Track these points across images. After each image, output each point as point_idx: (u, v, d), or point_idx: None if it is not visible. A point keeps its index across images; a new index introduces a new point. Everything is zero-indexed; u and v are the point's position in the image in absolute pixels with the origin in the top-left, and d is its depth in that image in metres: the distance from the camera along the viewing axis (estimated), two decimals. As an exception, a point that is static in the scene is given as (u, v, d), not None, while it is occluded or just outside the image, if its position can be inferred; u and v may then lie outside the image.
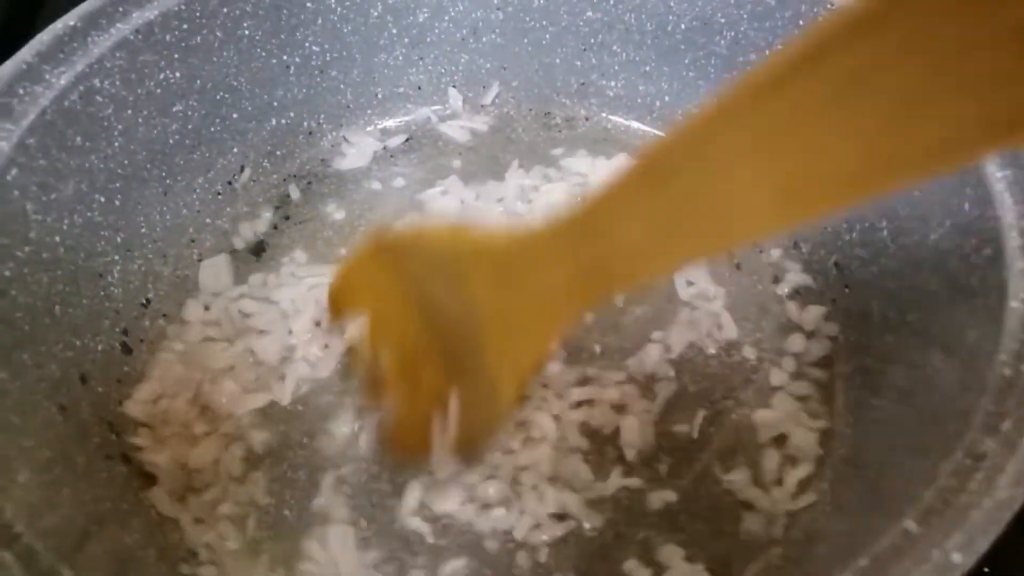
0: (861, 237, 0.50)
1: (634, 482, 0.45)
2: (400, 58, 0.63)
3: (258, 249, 0.57)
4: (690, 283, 0.53)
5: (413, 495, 0.44)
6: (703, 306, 0.52)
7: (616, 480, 0.45)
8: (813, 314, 0.51)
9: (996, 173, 0.39)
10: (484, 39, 0.63)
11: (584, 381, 0.48)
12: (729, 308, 0.52)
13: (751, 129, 0.24)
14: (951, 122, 0.20)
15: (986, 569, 0.41)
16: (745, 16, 0.55)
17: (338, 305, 0.46)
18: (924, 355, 0.40)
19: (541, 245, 0.33)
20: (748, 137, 0.24)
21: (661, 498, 0.44)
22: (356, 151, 0.63)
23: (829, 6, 0.50)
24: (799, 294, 0.52)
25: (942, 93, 0.20)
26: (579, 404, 0.47)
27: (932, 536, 0.28)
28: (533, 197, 0.59)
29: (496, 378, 0.36)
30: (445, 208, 0.58)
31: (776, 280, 0.53)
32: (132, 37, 0.49)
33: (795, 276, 0.53)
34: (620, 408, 0.47)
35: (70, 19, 0.48)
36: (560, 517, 0.44)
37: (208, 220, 0.57)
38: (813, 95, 0.22)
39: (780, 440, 0.46)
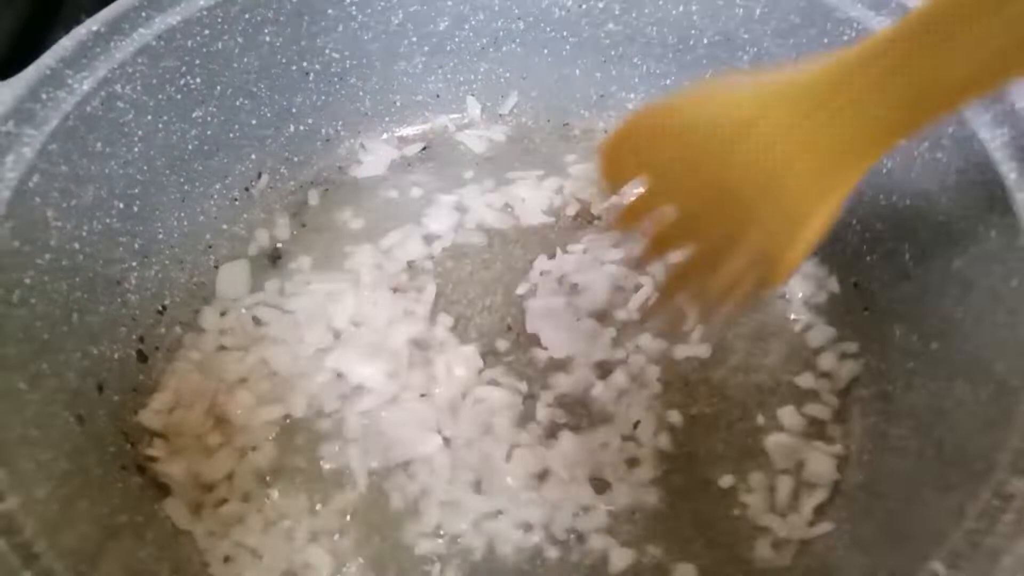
0: (882, 259, 0.50)
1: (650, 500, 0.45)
2: (419, 66, 0.63)
3: (274, 256, 0.57)
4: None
5: (429, 516, 0.44)
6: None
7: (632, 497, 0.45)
8: (832, 336, 0.51)
9: (1025, 203, 0.39)
10: (504, 49, 0.63)
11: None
12: (746, 329, 0.51)
13: None
14: None
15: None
16: (768, 32, 0.55)
17: (611, 168, 0.42)
18: (947, 385, 0.39)
19: (852, 75, 0.31)
20: None
21: (676, 518, 0.44)
22: (373, 158, 0.63)
23: (856, 25, 0.49)
24: (819, 316, 0.52)
25: None
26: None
27: (960, 579, 0.28)
28: (548, 207, 0.59)
29: (794, 220, 0.35)
30: (460, 216, 0.58)
31: (795, 301, 0.53)
32: (154, 43, 0.49)
33: (815, 297, 0.53)
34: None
35: (93, 24, 0.47)
36: (580, 537, 0.44)
37: (225, 226, 0.57)
38: None
39: (797, 466, 0.45)
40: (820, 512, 0.44)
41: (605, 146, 0.42)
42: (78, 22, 0.48)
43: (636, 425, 0.47)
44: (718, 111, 0.36)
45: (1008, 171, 0.40)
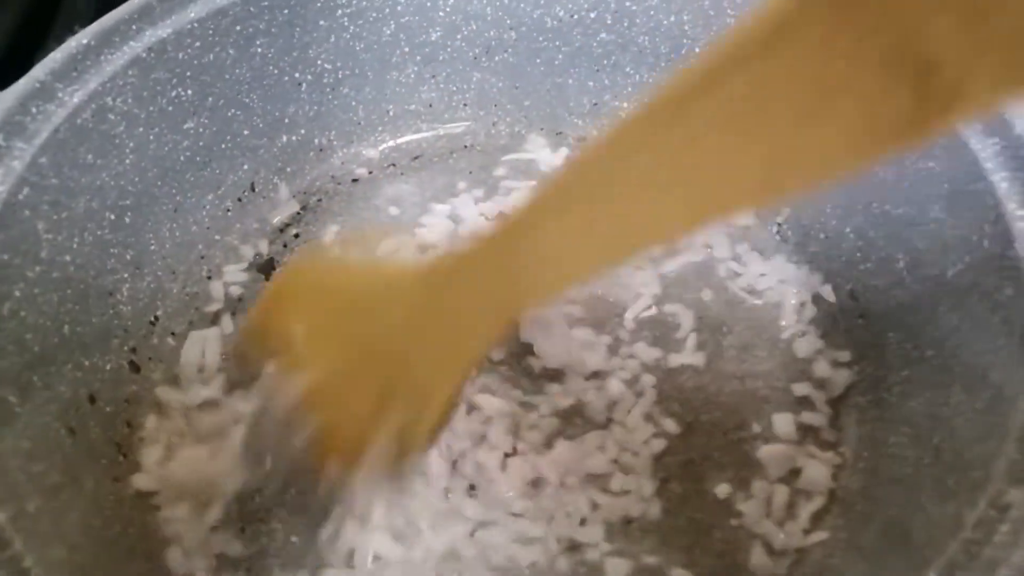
0: (877, 267, 0.50)
1: (646, 509, 0.44)
2: (412, 76, 0.63)
3: (267, 267, 0.57)
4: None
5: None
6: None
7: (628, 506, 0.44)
8: (826, 344, 0.51)
9: (1017, 211, 0.39)
10: (496, 58, 0.63)
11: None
12: (740, 336, 0.51)
13: (660, 144, 0.26)
14: (838, 134, 0.23)
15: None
16: (761, 42, 0.55)
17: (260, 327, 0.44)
18: (944, 393, 0.39)
19: (457, 268, 0.35)
20: (656, 152, 0.26)
21: (672, 527, 0.44)
22: (367, 168, 0.63)
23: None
24: (813, 324, 0.52)
25: (826, 111, 0.23)
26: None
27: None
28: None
29: (425, 396, 0.37)
30: (454, 225, 0.58)
31: (789, 309, 0.53)
32: (145, 55, 0.49)
33: (809, 305, 0.53)
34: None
35: (83, 37, 0.47)
36: (575, 546, 0.43)
37: (217, 237, 0.57)
38: (713, 113, 0.25)
39: (793, 474, 0.45)
40: (817, 520, 0.44)
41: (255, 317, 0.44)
42: (72, 32, 0.48)
43: (632, 434, 0.47)
44: (362, 285, 0.39)
45: (999, 180, 0.40)
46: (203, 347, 0.52)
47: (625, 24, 0.60)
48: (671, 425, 0.48)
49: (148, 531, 0.43)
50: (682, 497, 0.45)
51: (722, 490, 0.45)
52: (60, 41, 0.47)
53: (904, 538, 0.34)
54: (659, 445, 0.47)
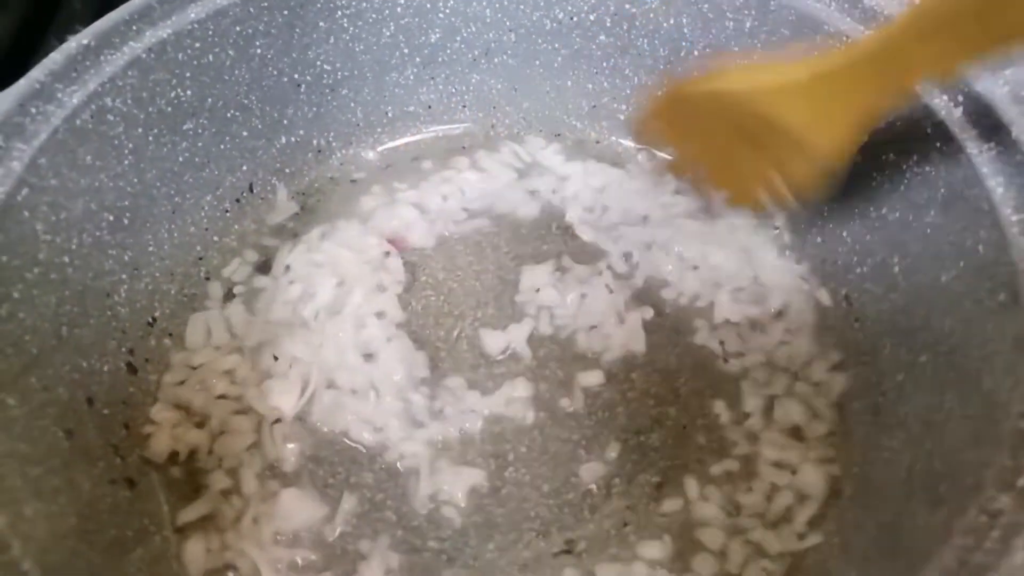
0: (872, 272, 0.50)
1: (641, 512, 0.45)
2: (411, 78, 0.63)
3: (265, 267, 0.57)
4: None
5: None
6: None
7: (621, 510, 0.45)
8: (822, 348, 0.51)
9: (1012, 217, 0.39)
10: (496, 60, 0.63)
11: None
12: (737, 342, 0.52)
13: None
14: None
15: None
16: (759, 45, 0.55)
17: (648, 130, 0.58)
18: (937, 398, 0.40)
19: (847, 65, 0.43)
20: None
21: (667, 532, 0.44)
22: (365, 169, 0.63)
23: (845, 39, 0.50)
24: (809, 328, 0.52)
25: None
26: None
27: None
28: (539, 217, 0.59)
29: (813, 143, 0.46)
30: (453, 227, 0.58)
31: (787, 313, 0.53)
32: (144, 56, 0.49)
33: (805, 310, 0.53)
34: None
35: (83, 38, 0.47)
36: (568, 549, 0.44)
37: (216, 238, 0.57)
38: None
39: (789, 478, 0.45)
40: (812, 524, 0.44)
41: (647, 113, 0.55)
42: (72, 32, 0.48)
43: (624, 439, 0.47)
44: (740, 80, 0.48)
45: (995, 186, 0.40)
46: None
47: (624, 27, 0.60)
48: (667, 428, 0.48)
49: (147, 534, 0.43)
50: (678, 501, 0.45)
51: (717, 490, 0.45)
52: (60, 41, 0.47)
53: (895, 544, 0.34)
54: (655, 440, 0.47)
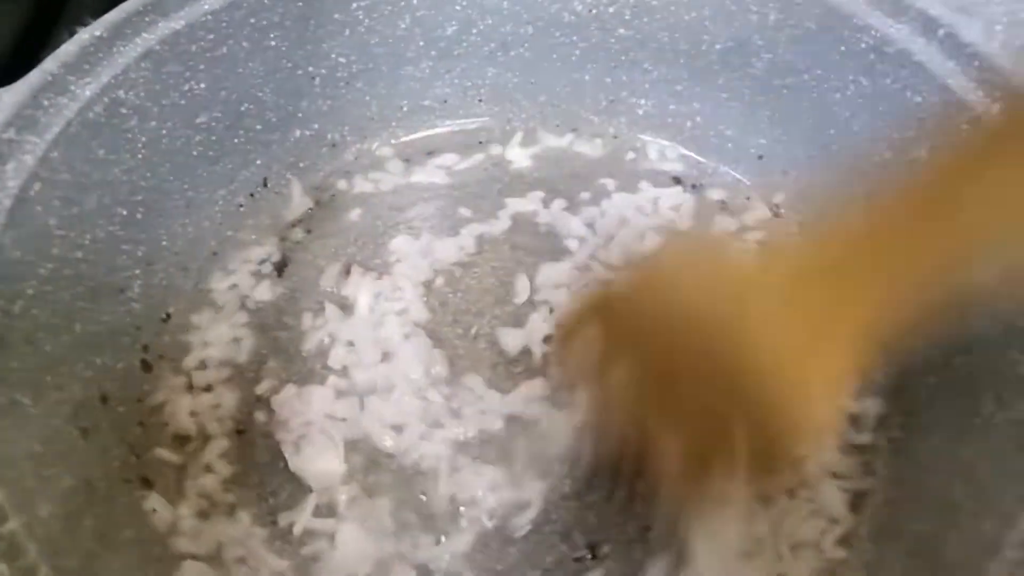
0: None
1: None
2: (427, 71, 0.62)
3: (281, 264, 0.56)
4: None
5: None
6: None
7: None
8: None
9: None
10: (512, 53, 0.62)
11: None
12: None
13: None
14: None
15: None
16: (783, 39, 0.54)
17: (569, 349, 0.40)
18: (974, 403, 0.39)
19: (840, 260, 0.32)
20: None
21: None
22: (380, 164, 0.62)
23: (873, 33, 0.49)
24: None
25: None
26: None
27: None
28: (555, 218, 0.58)
29: (792, 398, 0.32)
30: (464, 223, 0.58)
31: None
32: (158, 47, 0.48)
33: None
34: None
35: (95, 29, 0.46)
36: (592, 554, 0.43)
37: (230, 232, 0.56)
38: None
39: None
40: (843, 540, 0.42)
41: (563, 327, 0.40)
42: (82, 23, 0.47)
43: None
44: (699, 280, 0.34)
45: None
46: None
47: (644, 19, 0.59)
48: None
49: (160, 535, 0.42)
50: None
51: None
52: (70, 33, 0.46)
53: (934, 558, 0.33)
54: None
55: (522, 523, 0.44)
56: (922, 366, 0.45)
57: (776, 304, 0.31)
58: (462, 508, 0.45)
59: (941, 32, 0.46)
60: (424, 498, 0.45)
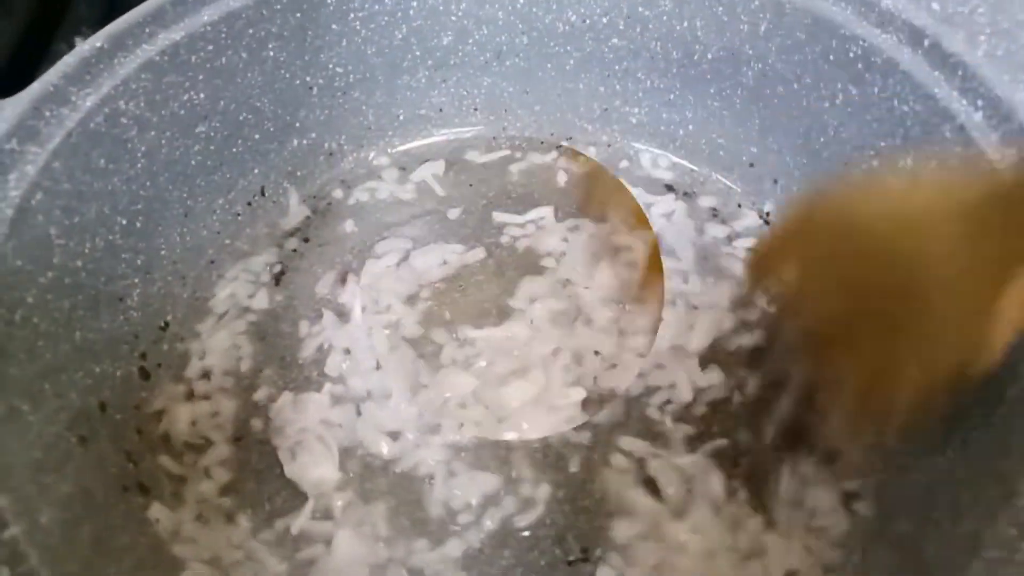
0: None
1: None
2: (423, 80, 0.62)
3: (278, 273, 0.56)
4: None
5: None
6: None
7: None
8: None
9: None
10: (507, 63, 0.63)
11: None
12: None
13: None
14: None
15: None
16: (773, 49, 0.55)
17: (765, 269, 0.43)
18: (955, 411, 0.39)
19: None
20: None
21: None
22: (377, 173, 0.62)
23: (861, 43, 0.49)
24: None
25: None
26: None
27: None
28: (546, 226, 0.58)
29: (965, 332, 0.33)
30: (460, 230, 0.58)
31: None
32: (158, 58, 0.49)
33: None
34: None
35: (96, 40, 0.47)
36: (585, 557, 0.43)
37: (228, 241, 0.57)
38: None
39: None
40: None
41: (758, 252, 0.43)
42: (79, 35, 0.48)
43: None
44: (884, 209, 0.35)
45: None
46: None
47: (637, 30, 0.60)
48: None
49: (159, 541, 0.42)
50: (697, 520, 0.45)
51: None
52: (68, 45, 0.47)
53: (917, 558, 0.34)
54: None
55: (516, 527, 0.44)
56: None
57: (968, 228, 0.32)
58: (457, 514, 0.45)
59: (926, 42, 0.46)
60: (419, 503, 0.45)
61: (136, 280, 0.50)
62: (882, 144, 0.49)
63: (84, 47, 0.46)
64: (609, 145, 0.64)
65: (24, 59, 0.64)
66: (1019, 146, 0.41)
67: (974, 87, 0.44)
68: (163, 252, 0.52)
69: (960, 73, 0.45)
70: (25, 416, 0.38)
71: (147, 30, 0.49)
